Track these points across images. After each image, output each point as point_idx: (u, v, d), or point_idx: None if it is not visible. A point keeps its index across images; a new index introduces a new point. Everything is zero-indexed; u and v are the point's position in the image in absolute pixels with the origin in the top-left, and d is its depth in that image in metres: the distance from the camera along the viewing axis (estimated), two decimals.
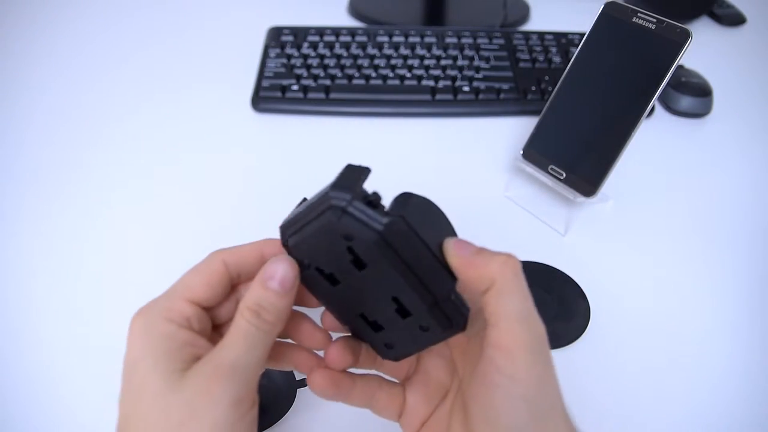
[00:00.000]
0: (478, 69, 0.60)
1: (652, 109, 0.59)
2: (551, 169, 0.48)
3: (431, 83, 0.59)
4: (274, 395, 0.35)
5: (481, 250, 0.24)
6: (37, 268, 0.44)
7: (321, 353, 0.29)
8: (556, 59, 0.62)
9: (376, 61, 0.60)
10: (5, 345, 0.40)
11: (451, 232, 0.26)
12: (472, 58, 0.61)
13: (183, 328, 0.25)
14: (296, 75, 0.59)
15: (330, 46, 0.62)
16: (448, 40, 0.63)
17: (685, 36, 0.42)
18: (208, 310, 0.27)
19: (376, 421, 0.36)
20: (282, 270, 0.25)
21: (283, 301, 0.25)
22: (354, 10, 0.73)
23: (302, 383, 0.36)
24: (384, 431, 0.36)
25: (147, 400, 0.23)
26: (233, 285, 0.28)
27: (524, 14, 0.72)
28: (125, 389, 0.24)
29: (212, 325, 0.28)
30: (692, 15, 0.71)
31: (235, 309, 0.27)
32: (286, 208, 0.49)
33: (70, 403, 0.36)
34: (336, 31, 0.64)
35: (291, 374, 0.36)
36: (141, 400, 0.23)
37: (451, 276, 0.23)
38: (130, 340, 0.25)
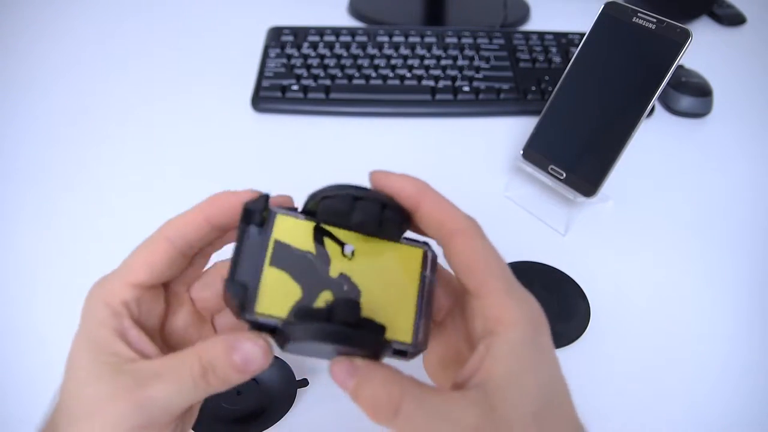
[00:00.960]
0: (478, 69, 0.60)
1: (653, 109, 0.59)
2: (551, 169, 0.48)
3: (431, 83, 0.59)
4: (274, 395, 0.35)
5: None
6: (39, 268, 0.45)
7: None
8: (556, 59, 0.62)
9: (376, 61, 0.60)
10: (7, 344, 0.40)
11: None
12: (472, 58, 0.62)
13: (116, 316, 0.24)
14: (296, 75, 0.59)
15: (330, 46, 0.62)
16: (448, 40, 0.63)
17: (685, 36, 0.42)
18: (155, 286, 0.25)
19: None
20: (256, 354, 0.23)
21: (238, 378, 0.23)
22: (354, 10, 0.73)
23: (303, 383, 0.36)
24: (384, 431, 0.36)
25: (68, 384, 0.23)
26: (191, 254, 0.26)
27: (524, 14, 0.72)
28: (66, 376, 0.24)
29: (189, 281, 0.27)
30: (692, 15, 0.71)
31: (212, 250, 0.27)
32: None
33: None
34: (336, 31, 0.64)
35: (291, 374, 0.36)
36: (68, 380, 0.23)
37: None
38: (82, 314, 0.24)
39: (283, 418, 0.35)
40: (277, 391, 0.35)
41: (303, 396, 0.37)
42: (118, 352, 0.23)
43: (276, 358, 0.35)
